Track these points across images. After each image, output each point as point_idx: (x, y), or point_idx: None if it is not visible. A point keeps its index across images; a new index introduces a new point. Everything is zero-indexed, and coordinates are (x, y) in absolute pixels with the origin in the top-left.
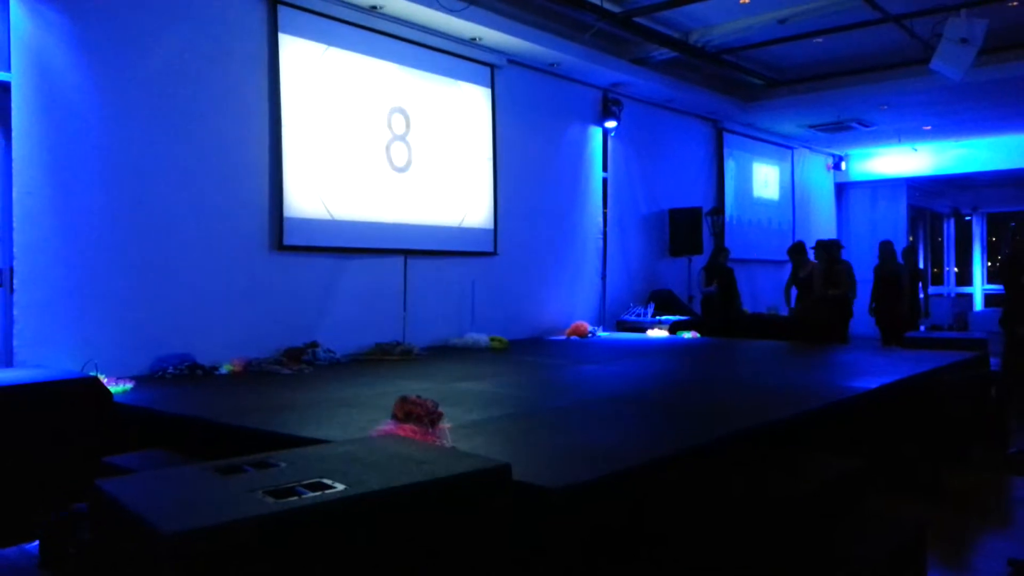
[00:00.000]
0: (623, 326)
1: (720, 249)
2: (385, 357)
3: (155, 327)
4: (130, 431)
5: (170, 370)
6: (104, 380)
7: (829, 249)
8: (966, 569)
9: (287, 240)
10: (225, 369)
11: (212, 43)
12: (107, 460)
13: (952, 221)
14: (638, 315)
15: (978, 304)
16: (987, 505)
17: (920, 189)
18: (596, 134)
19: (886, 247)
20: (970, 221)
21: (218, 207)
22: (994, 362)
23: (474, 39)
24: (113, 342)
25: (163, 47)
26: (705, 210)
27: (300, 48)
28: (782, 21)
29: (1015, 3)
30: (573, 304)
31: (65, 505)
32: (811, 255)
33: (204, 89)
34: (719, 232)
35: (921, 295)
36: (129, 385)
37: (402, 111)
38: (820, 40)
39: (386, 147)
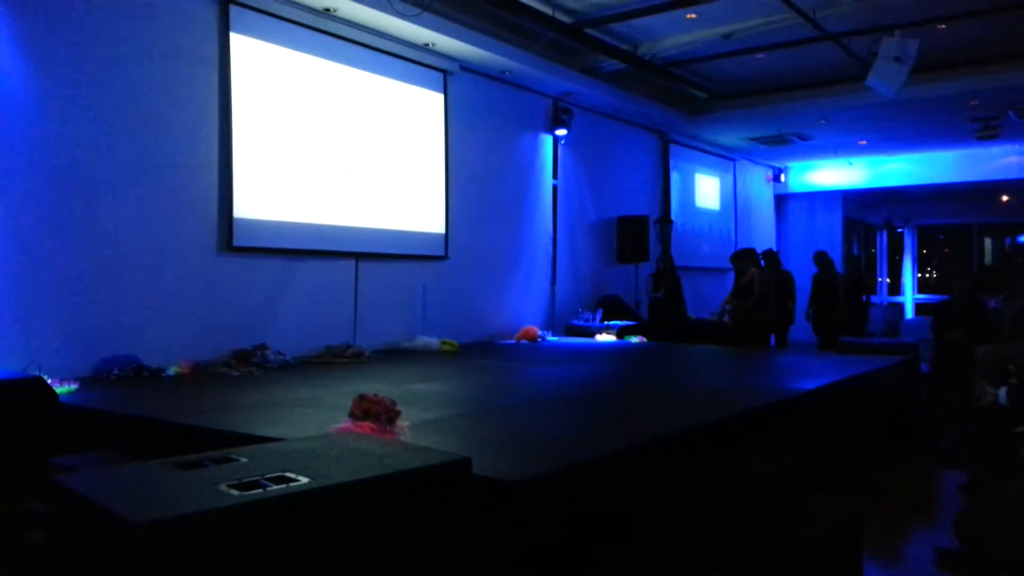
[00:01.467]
0: (572, 330)
1: (666, 256)
2: (336, 359)
3: (99, 329)
4: (77, 432)
5: (115, 372)
6: (47, 381)
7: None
8: (898, 557)
9: (236, 241)
10: (172, 371)
11: (160, 40)
12: (55, 461)
13: (885, 233)
14: (587, 320)
15: (909, 312)
16: (917, 499)
17: (855, 201)
18: (547, 142)
19: (821, 257)
20: (902, 233)
21: (165, 207)
22: (924, 367)
23: (427, 45)
24: (55, 344)
25: (108, 43)
26: (652, 219)
27: (252, 48)
28: (726, 37)
29: (943, 26)
30: (523, 309)
31: (11, 506)
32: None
33: (152, 88)
34: (666, 240)
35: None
36: (74, 386)
37: (355, 114)
38: (762, 56)
39: (339, 150)
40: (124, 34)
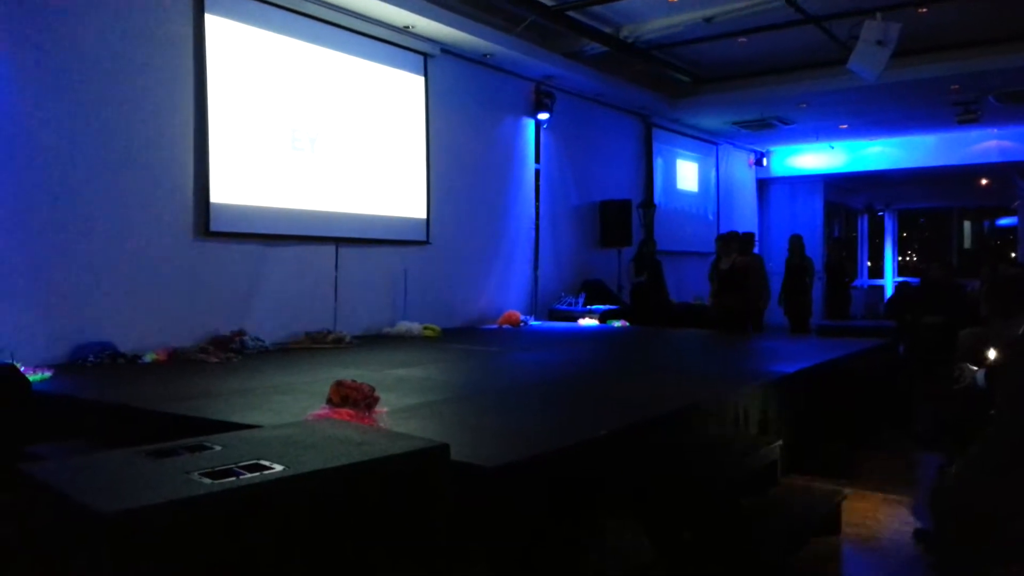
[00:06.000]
0: (555, 315)
1: (649, 241)
2: (316, 345)
3: (74, 315)
4: (50, 421)
5: (90, 359)
6: (20, 368)
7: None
8: (875, 539)
9: (213, 226)
10: (148, 358)
11: (134, 22)
12: (27, 450)
13: (866, 217)
14: (569, 304)
15: (889, 295)
16: (896, 481)
17: (836, 185)
18: (529, 126)
19: (795, 241)
20: (882, 217)
21: (140, 192)
22: (902, 349)
23: (407, 27)
24: (28, 331)
25: (80, 27)
26: (635, 202)
27: (228, 30)
28: (708, 20)
29: (924, 10)
30: (506, 293)
31: None
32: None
33: (125, 70)
34: (648, 224)
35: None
36: (48, 374)
37: (334, 97)
38: (745, 40)
39: (318, 133)
40: (96, 16)
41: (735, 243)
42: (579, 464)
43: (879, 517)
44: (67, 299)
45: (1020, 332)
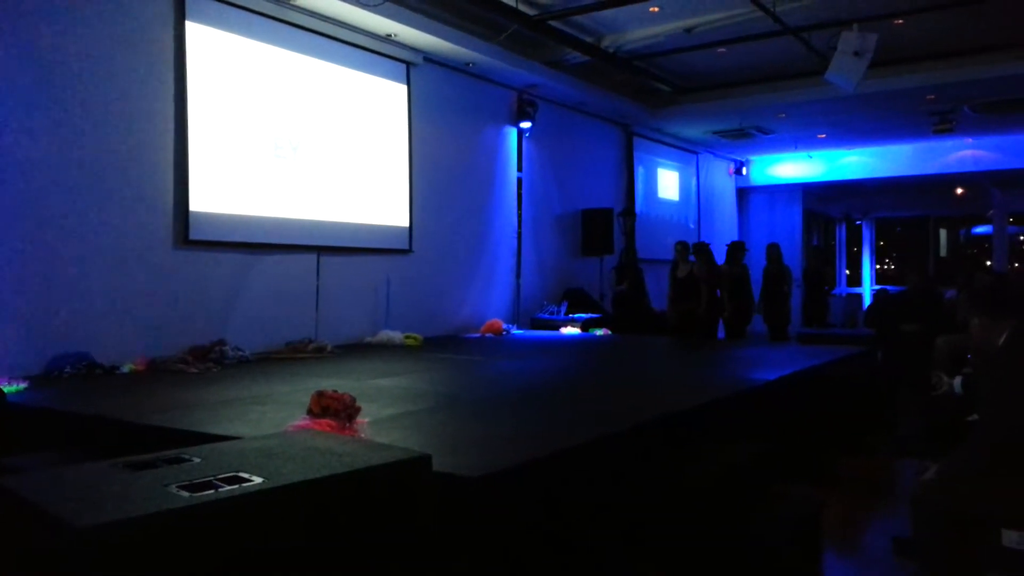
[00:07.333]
0: (537, 324)
1: (630, 249)
2: (297, 355)
3: (50, 326)
4: (26, 432)
5: (67, 370)
6: None
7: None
8: (856, 546)
9: (193, 235)
10: (126, 368)
11: (113, 30)
12: (2, 462)
13: (844, 225)
14: (552, 313)
15: (867, 304)
16: (876, 487)
17: (815, 194)
18: (511, 134)
19: (772, 250)
20: (860, 225)
21: (119, 200)
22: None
23: (389, 35)
24: (4, 342)
25: (58, 34)
26: (616, 211)
27: (209, 37)
28: (689, 31)
29: (900, 21)
30: (488, 302)
31: None
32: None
33: (104, 78)
34: (629, 232)
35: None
36: (23, 385)
37: (316, 105)
38: (724, 50)
39: (300, 141)
40: (75, 23)
41: (687, 252)
42: (561, 473)
43: (859, 524)
44: (44, 309)
45: (1001, 343)
